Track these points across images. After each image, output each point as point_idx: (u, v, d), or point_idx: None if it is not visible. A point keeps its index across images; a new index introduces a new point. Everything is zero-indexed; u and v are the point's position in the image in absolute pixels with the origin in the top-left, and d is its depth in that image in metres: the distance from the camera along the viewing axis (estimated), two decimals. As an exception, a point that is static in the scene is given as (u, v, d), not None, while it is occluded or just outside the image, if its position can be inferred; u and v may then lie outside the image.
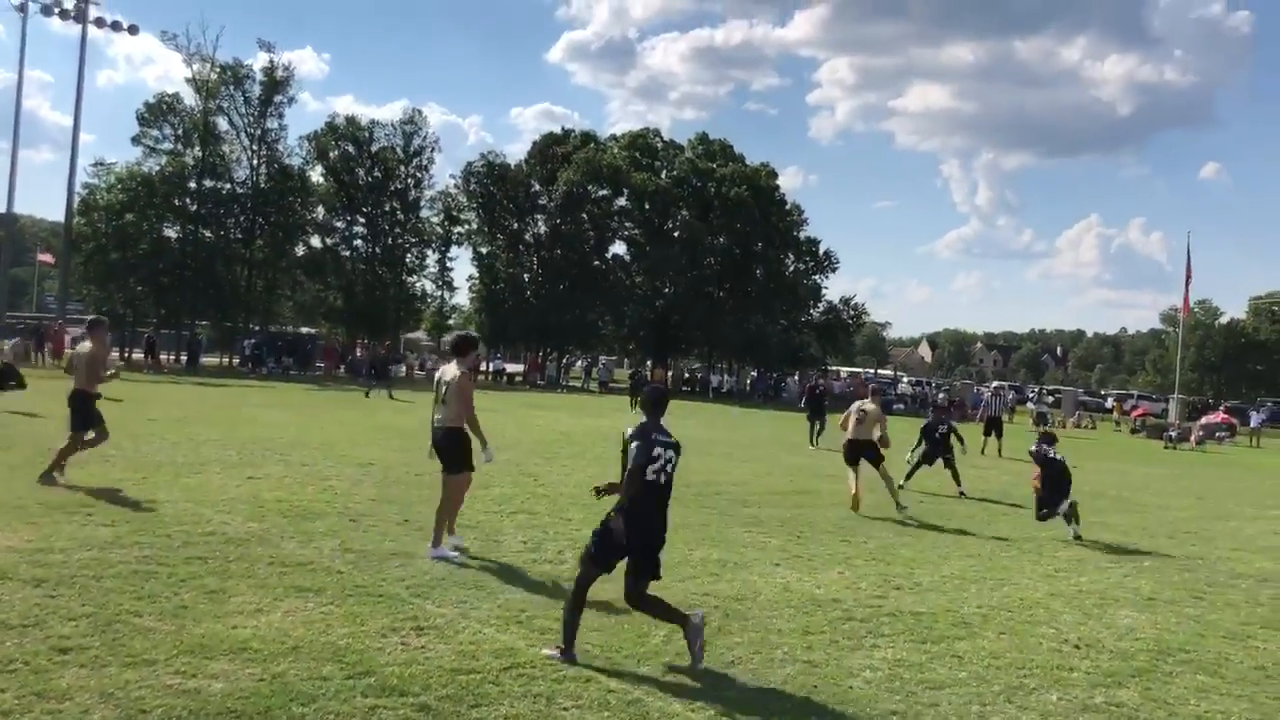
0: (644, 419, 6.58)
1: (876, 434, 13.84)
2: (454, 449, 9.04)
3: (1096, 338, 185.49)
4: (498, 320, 56.65)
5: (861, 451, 13.60)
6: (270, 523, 9.67)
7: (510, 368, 56.55)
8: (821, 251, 63.74)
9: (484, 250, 58.09)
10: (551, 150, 58.42)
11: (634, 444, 6.32)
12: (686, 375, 63.47)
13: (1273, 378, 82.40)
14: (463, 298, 61.67)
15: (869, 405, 14.03)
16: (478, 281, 58.41)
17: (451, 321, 63.39)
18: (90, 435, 11.56)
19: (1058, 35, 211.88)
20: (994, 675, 6.35)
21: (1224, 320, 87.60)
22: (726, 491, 14.31)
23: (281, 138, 51.17)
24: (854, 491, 13.26)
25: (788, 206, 63.66)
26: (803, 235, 63.94)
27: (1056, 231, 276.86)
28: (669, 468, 6.39)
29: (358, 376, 35.11)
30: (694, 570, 8.87)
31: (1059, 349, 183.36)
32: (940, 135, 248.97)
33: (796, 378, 59.20)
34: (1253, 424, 45.06)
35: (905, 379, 79.85)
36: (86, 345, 11.70)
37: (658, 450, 6.33)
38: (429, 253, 56.98)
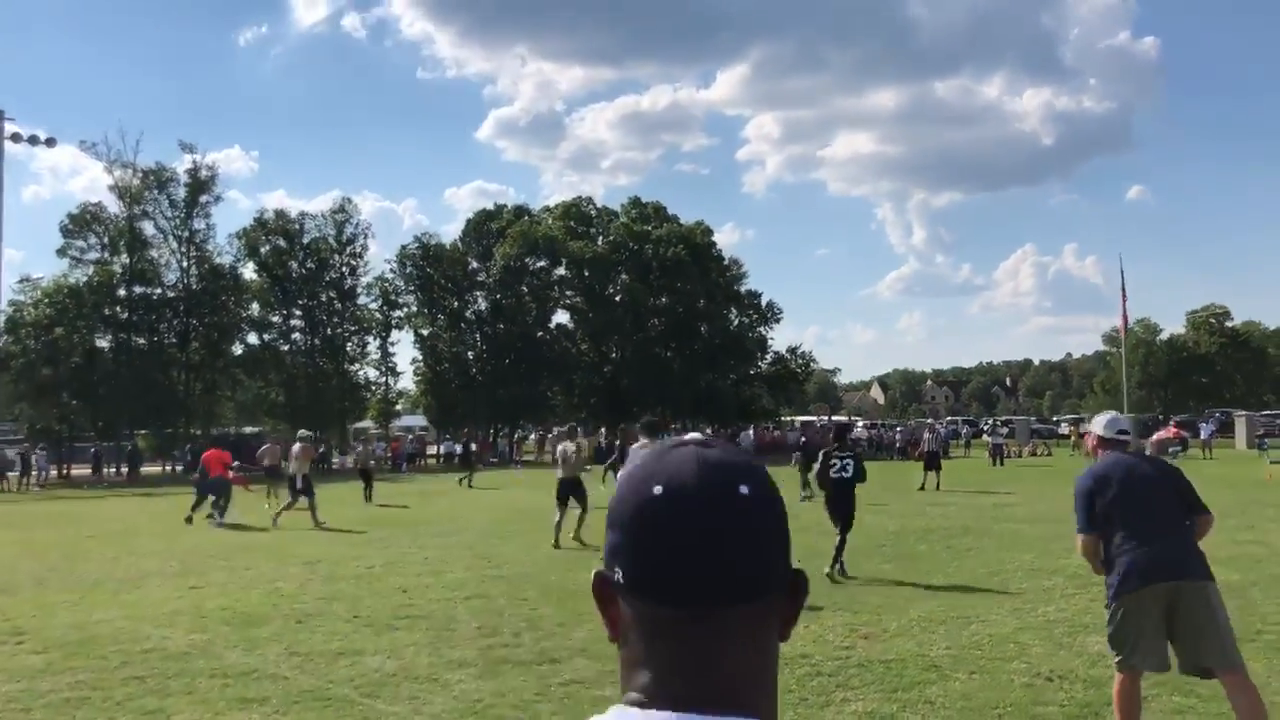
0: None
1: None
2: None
3: (1043, 365, 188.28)
4: (445, 400, 56.22)
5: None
6: (213, 633, 9.26)
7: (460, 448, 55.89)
8: (764, 304, 64.36)
9: (425, 332, 57.79)
10: (486, 226, 58.57)
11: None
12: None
13: (1217, 389, 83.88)
14: (408, 381, 61.27)
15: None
16: (421, 364, 58.02)
17: (399, 407, 62.76)
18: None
19: (974, 73, 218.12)
20: (968, 719, 6.15)
21: (1164, 337, 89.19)
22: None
23: (210, 237, 51.00)
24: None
25: (726, 262, 64.25)
26: (744, 289, 64.53)
27: (993, 264, 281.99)
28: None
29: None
30: (656, 639, 8.59)
31: (1008, 379, 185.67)
32: (870, 180, 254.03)
33: (751, 431, 59.21)
34: (1203, 436, 45.65)
35: (860, 422, 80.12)
36: (570, 445, 16.30)
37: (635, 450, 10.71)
38: (370, 339, 56.69)
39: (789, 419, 74.56)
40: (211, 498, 20.33)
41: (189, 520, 20.01)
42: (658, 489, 0.93)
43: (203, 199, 49.85)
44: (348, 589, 11.64)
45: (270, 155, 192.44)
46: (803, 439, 27.89)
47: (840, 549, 11.83)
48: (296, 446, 20.69)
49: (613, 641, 0.98)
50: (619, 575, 0.94)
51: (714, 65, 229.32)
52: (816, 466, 13.14)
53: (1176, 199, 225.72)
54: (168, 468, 47.77)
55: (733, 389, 60.72)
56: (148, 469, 46.08)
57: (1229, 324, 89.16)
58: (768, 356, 64.70)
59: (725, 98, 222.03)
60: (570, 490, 15.54)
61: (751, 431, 59.59)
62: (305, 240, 53.55)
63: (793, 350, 65.36)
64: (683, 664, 0.91)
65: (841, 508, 12.07)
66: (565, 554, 14.29)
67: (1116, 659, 5.29)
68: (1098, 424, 5.77)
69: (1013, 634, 8.51)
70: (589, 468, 16.56)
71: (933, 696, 6.63)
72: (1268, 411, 66.78)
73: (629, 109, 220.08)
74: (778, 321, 64.81)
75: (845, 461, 12.15)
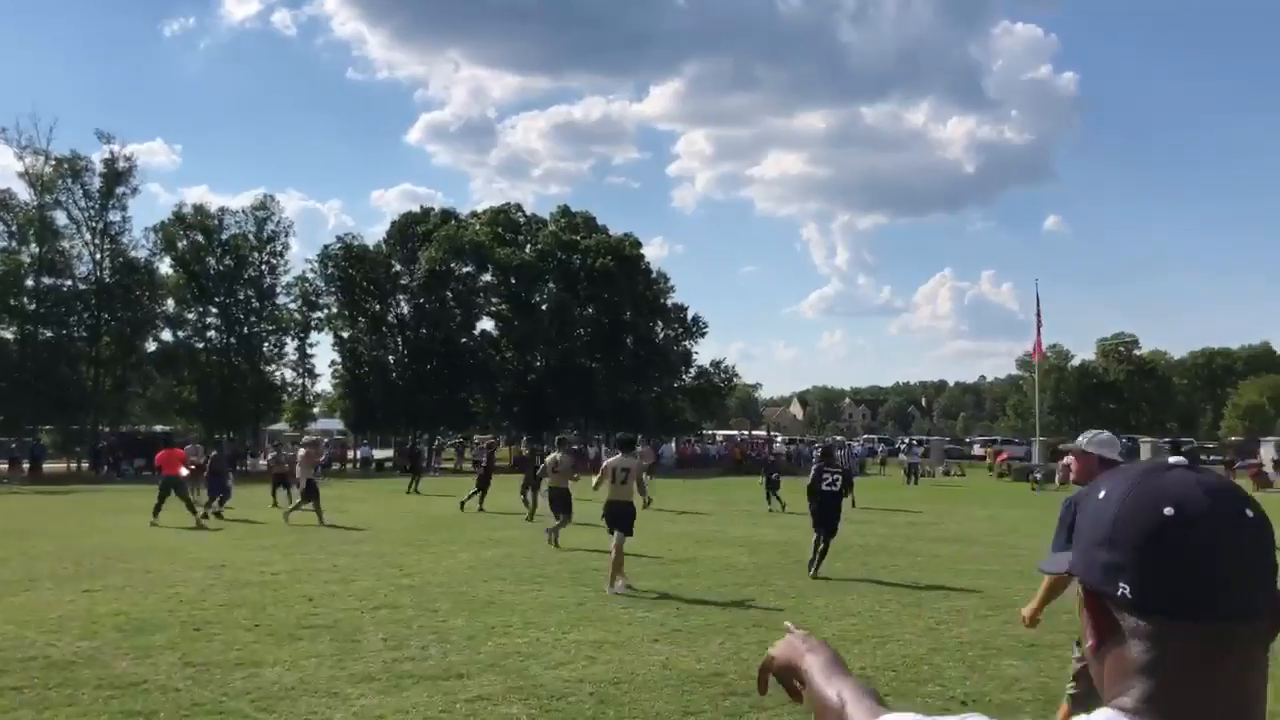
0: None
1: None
2: (630, 516, 12.45)
3: (958, 387, 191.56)
4: (363, 405, 55.28)
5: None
6: (103, 640, 8.82)
7: (379, 454, 55.07)
8: (690, 317, 64.38)
9: (345, 334, 56.73)
10: (412, 229, 57.78)
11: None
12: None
13: (1124, 415, 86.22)
14: (326, 384, 60.13)
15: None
16: (340, 367, 56.98)
17: (316, 410, 61.53)
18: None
19: (902, 100, 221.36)
20: (883, 743, 6.04)
21: (1075, 363, 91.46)
22: (604, 566, 13.82)
23: (126, 230, 49.22)
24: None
25: (654, 275, 64.20)
26: (670, 302, 64.49)
27: (913, 287, 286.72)
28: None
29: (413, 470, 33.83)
30: (567, 655, 8.37)
31: (923, 400, 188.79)
32: (797, 200, 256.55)
33: (673, 445, 59.32)
34: (1111, 461, 46.78)
35: (780, 438, 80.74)
36: (560, 454, 17.08)
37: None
38: (287, 340, 55.31)
39: (711, 432, 74.85)
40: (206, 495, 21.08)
41: (203, 520, 19.81)
42: (1169, 510, 0.98)
43: (119, 190, 48.25)
44: (251, 596, 11.23)
45: (194, 150, 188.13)
46: (771, 458, 29.53)
47: (824, 553, 13.24)
48: (301, 452, 21.44)
49: (1093, 653, 1.03)
50: (1124, 591, 0.99)
51: (648, 79, 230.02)
52: (809, 481, 14.23)
53: (1091, 230, 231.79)
54: (72, 465, 46.23)
55: (656, 401, 60.70)
56: (51, 466, 44.49)
57: (1137, 353, 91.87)
58: (691, 370, 64.82)
59: (658, 112, 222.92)
60: (558, 498, 16.17)
61: (674, 444, 59.69)
62: (224, 237, 52.23)
63: (716, 364, 65.61)
64: (1184, 679, 0.97)
65: (827, 517, 13.54)
66: (479, 564, 13.99)
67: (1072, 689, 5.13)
68: (1095, 443, 5.18)
69: (927, 655, 8.47)
70: (577, 478, 16.77)
71: (846, 719, 6.52)
72: (1170, 439, 68.79)
73: (561, 119, 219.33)
74: (703, 336, 64.94)
75: (835, 476, 13.84)
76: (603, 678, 7.57)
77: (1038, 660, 8.26)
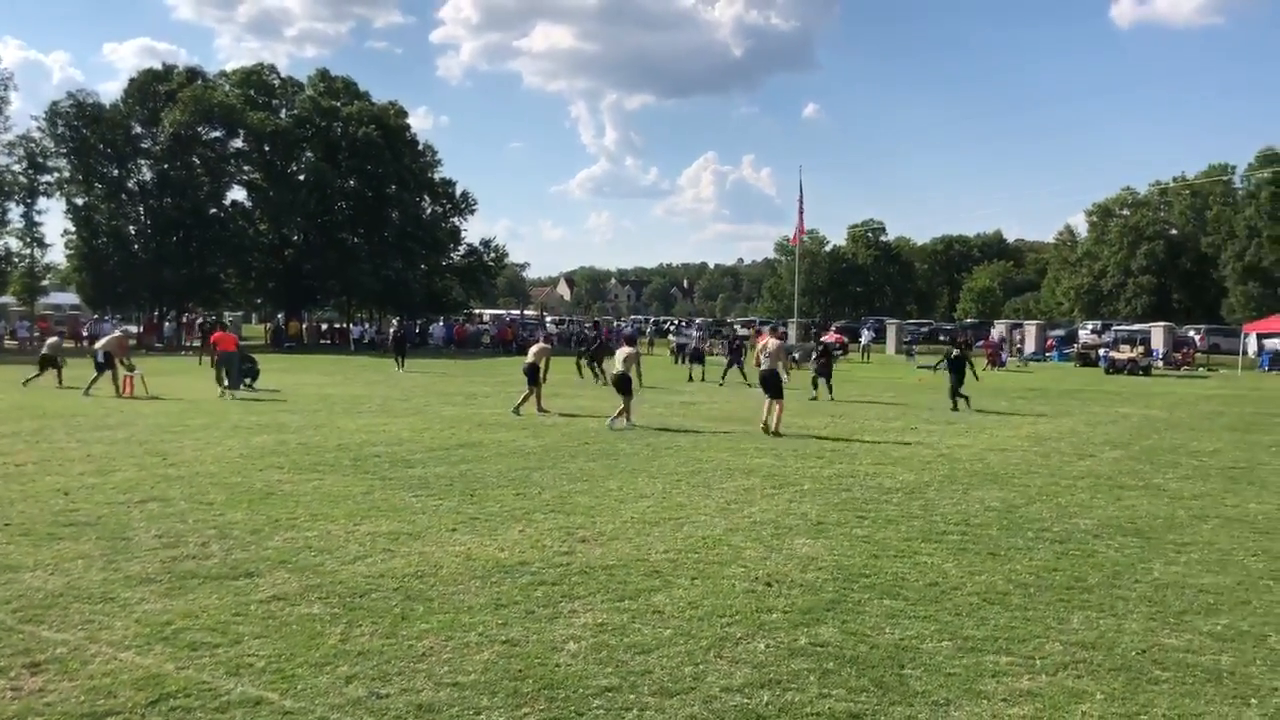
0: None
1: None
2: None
3: (718, 269, 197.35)
4: (102, 278, 51.24)
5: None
6: None
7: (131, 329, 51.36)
8: (458, 193, 62.68)
9: (79, 201, 52.03)
10: (153, 88, 53.04)
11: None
12: (324, 327, 60.73)
13: (870, 298, 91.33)
14: (59, 255, 55.29)
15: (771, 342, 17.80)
16: (75, 237, 52.34)
17: (46, 283, 56.51)
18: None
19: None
20: (697, 628, 6.10)
21: (829, 248, 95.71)
22: (386, 452, 13.41)
23: None
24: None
25: (420, 147, 61.91)
26: (437, 177, 62.52)
27: (678, 170, 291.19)
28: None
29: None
30: (363, 548, 8.02)
31: (685, 281, 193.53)
32: (566, 76, 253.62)
33: (441, 323, 58.28)
34: (863, 341, 49.49)
35: (550, 319, 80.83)
36: (773, 340, 18.34)
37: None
38: (11, 206, 50.24)
39: (479, 312, 74.02)
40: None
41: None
42: None
43: None
44: (-6, 491, 10.19)
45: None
46: (821, 345, 28.73)
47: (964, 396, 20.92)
48: (116, 334, 23.81)
49: None
50: None
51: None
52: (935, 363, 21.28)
53: (846, 119, 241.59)
54: None
55: (423, 279, 59.24)
56: None
57: (884, 238, 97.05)
58: (460, 248, 63.48)
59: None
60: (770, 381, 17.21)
61: (442, 323, 58.66)
62: (-69, 87, 46.46)
63: (486, 243, 64.52)
64: None
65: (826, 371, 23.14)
66: (250, 452, 13.24)
67: None
68: None
69: (724, 535, 8.64)
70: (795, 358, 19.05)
71: (660, 605, 6.55)
72: (913, 321, 73.54)
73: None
74: (472, 213, 63.53)
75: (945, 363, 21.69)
76: (405, 571, 7.29)
77: (828, 538, 8.59)
